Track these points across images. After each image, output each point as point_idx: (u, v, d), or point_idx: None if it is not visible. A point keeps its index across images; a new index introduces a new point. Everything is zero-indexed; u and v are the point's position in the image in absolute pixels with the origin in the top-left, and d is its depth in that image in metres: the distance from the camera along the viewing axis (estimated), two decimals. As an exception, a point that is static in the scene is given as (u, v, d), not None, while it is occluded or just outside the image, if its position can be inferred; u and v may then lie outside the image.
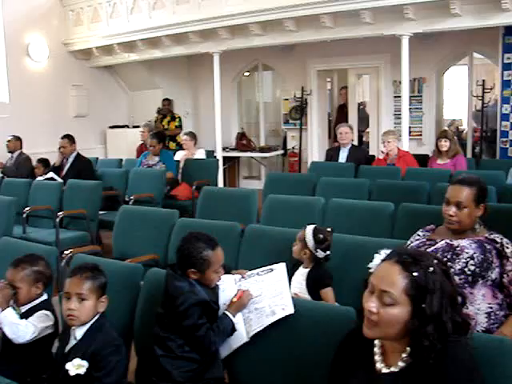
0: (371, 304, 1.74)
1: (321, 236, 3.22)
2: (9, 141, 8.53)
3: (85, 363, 2.33)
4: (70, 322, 2.43)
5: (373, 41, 8.66)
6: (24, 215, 6.14)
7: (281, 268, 2.71)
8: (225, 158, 10.03)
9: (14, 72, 10.05)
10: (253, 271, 2.74)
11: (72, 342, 2.45)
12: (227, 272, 2.70)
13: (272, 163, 11.25)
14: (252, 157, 11.26)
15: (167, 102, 10.57)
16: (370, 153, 9.35)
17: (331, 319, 2.36)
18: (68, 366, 2.34)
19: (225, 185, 9.75)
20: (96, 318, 2.46)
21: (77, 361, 2.34)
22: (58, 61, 10.76)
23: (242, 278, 2.71)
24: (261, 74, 11.53)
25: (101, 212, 6.47)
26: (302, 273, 3.26)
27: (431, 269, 1.72)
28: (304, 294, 3.15)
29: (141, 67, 11.19)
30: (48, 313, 2.79)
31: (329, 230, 3.31)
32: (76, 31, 10.82)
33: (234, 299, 2.58)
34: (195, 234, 2.64)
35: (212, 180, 7.58)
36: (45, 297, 2.88)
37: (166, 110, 10.47)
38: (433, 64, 9.46)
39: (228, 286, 2.65)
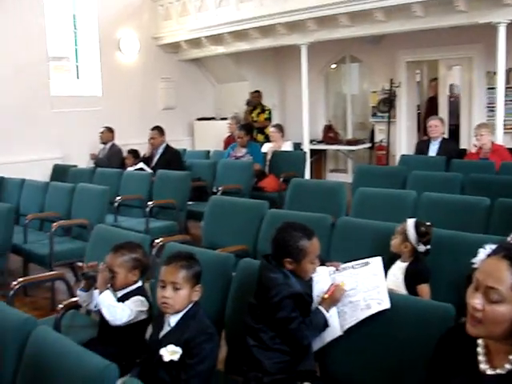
0: (476, 301, 1.65)
1: (423, 229, 3.15)
2: (102, 132, 8.80)
3: (179, 350, 2.34)
4: (164, 309, 2.44)
5: (465, 30, 8.33)
6: (115, 204, 6.30)
7: (377, 262, 2.64)
8: (311, 151, 9.94)
9: (106, 66, 10.39)
10: (347, 264, 2.68)
11: (166, 329, 2.46)
12: (321, 264, 2.65)
13: (359, 156, 11.08)
14: (339, 150, 11.14)
15: (257, 94, 10.55)
16: (461, 146, 9.04)
17: (430, 316, 2.28)
18: (162, 351, 2.36)
19: (311, 177, 9.65)
20: (190, 306, 2.46)
21: (171, 347, 2.36)
22: (147, 54, 11.02)
23: (337, 270, 2.66)
24: (348, 66, 11.37)
25: (188, 202, 6.56)
26: (399, 267, 3.18)
27: None
28: (399, 289, 3.07)
29: (228, 60, 11.25)
30: (143, 299, 2.84)
31: (429, 224, 3.23)
32: (165, 25, 11.02)
33: (326, 295, 2.52)
34: (291, 223, 2.61)
35: (299, 172, 7.55)
36: (139, 284, 2.93)
37: (256, 102, 10.46)
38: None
39: (322, 278, 2.61)
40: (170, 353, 2.35)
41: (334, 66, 11.77)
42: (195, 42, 10.79)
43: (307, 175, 9.04)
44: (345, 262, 2.71)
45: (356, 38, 9.37)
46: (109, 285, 2.85)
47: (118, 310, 2.72)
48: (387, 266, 3.11)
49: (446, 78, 10.53)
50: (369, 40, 9.97)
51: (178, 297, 2.41)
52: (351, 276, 2.61)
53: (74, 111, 9.79)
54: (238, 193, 6.65)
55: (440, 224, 3.58)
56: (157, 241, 4.28)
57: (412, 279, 3.09)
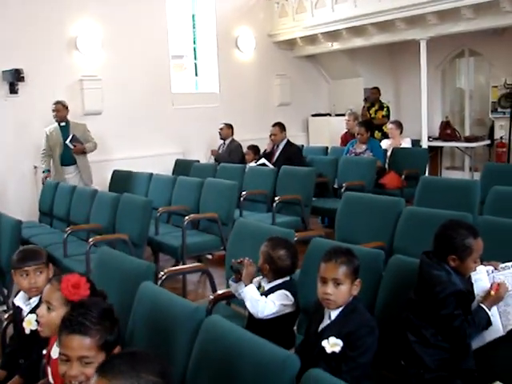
0: None
1: None
2: (221, 128, 9.00)
3: (340, 342, 2.39)
4: (326, 305, 2.50)
5: None
6: (241, 199, 6.44)
7: None
8: (428, 147, 9.73)
9: (223, 64, 10.63)
10: (507, 263, 2.63)
11: (326, 322, 2.52)
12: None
13: (477, 154, 10.73)
14: (456, 147, 10.83)
15: (376, 91, 10.38)
16: None
17: None
18: (324, 343, 2.41)
19: (427, 174, 9.45)
20: (350, 299, 2.50)
21: (332, 339, 2.41)
22: (263, 51, 11.17)
23: (495, 269, 2.62)
24: (467, 60, 11.02)
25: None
26: None
27: None
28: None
29: (342, 56, 11.21)
30: (287, 293, 2.89)
31: None
32: (281, 22, 11.11)
33: (492, 292, 2.50)
34: (456, 220, 2.62)
35: (420, 169, 7.42)
36: (287, 278, 3.00)
37: (375, 99, 10.33)
38: None
39: (481, 277, 2.58)
40: (332, 345, 2.40)
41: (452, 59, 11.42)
42: (311, 39, 10.83)
43: (427, 173, 8.86)
44: (505, 262, 2.66)
45: (476, 31, 9.05)
46: (257, 278, 2.96)
47: (260, 303, 2.81)
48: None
49: None
50: (491, 32, 9.62)
51: (340, 292, 2.46)
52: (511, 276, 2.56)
53: (192, 108, 10.10)
54: (360, 189, 6.61)
55: None
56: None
57: None
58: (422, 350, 2.47)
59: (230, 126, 8.97)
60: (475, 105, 11.23)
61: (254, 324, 2.89)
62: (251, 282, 2.92)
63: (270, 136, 7.89)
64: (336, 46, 10.58)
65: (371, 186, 6.88)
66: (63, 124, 7.46)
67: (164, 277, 3.77)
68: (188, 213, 5.94)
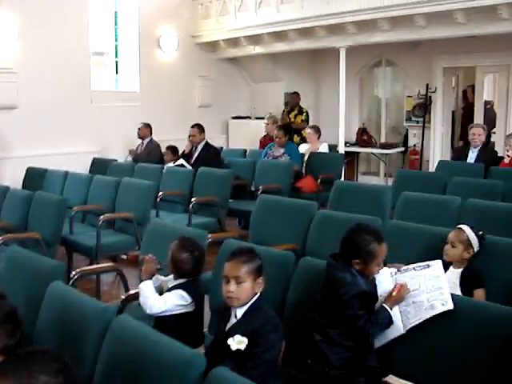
0: None
1: (480, 233, 3.23)
2: (139, 128, 8.92)
3: (245, 339, 2.44)
4: (229, 303, 2.55)
5: (504, 37, 8.31)
6: (158, 199, 6.42)
7: (438, 264, 2.74)
8: (345, 153, 10.00)
9: (145, 63, 10.54)
10: (408, 266, 2.78)
11: (232, 321, 2.56)
12: (383, 265, 2.75)
13: (392, 160, 11.10)
14: (372, 153, 11.18)
15: (295, 96, 10.57)
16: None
17: (494, 319, 2.36)
18: (229, 341, 2.46)
19: (344, 179, 9.70)
20: (255, 298, 2.56)
21: (237, 337, 2.45)
22: (185, 52, 11.15)
23: (398, 271, 2.76)
24: (384, 70, 11.40)
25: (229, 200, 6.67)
26: (453, 272, 3.26)
27: None
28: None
29: (264, 60, 11.36)
30: (184, 293, 2.93)
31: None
32: (204, 24, 11.13)
33: (394, 293, 2.63)
34: (363, 225, 2.72)
35: (336, 174, 7.60)
36: (190, 278, 3.04)
37: (294, 103, 10.51)
38: None
39: (385, 279, 2.72)
40: (237, 342, 2.45)
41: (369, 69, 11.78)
42: (233, 42, 10.90)
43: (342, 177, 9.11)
44: (406, 264, 2.81)
45: (393, 42, 9.39)
46: (156, 276, 3.06)
47: (149, 300, 2.89)
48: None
49: (482, 84, 10.52)
50: (406, 44, 10.00)
51: (242, 290, 2.51)
52: (413, 277, 2.71)
53: (112, 106, 9.95)
54: (277, 193, 6.71)
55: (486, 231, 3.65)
56: (208, 236, 4.36)
57: (469, 284, 3.16)
58: (328, 348, 2.56)
59: (148, 126, 8.91)
60: (391, 113, 11.64)
61: (161, 324, 2.92)
62: (150, 279, 3.00)
63: (189, 137, 7.91)
64: (258, 49, 10.70)
65: (288, 190, 7.00)
66: None
67: (76, 276, 3.72)
68: (103, 212, 5.85)
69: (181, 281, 3.01)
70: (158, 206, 6.44)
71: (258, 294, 2.57)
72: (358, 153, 11.36)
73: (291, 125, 9.69)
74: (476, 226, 3.49)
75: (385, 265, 2.78)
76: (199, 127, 7.84)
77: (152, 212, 6.22)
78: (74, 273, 3.73)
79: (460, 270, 3.24)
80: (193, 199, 6.27)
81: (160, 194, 6.54)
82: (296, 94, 10.60)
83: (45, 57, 8.90)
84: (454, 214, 4.58)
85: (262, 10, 9.97)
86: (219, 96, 11.53)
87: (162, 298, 2.90)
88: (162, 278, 3.10)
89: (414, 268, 2.75)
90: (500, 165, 7.00)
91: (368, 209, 4.77)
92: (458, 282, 3.18)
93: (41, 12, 8.81)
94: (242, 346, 2.44)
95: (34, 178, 7.59)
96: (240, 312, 2.55)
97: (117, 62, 10.72)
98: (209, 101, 11.41)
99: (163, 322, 2.91)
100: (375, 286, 2.68)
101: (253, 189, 7.36)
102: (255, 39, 10.47)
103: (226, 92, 11.68)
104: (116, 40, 10.67)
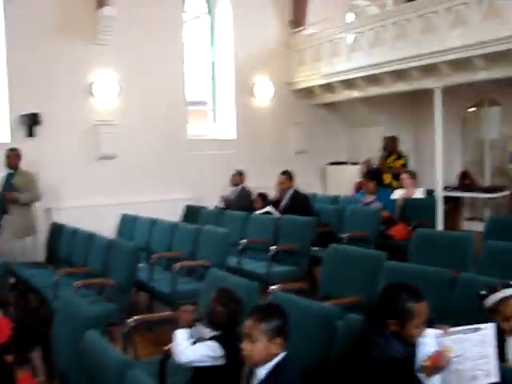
0: None
1: None
2: (233, 175, 9.00)
3: None
4: (246, 360, 2.43)
5: None
6: (240, 247, 6.35)
7: (489, 328, 2.38)
8: (447, 198, 9.52)
9: (241, 110, 10.72)
10: (456, 328, 2.45)
11: (254, 382, 2.41)
12: (430, 325, 2.46)
13: (498, 205, 10.45)
14: (476, 197, 10.59)
15: (393, 139, 10.29)
16: None
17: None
18: None
19: (446, 226, 9.21)
20: (278, 358, 2.39)
21: None
22: (280, 99, 11.25)
23: (444, 333, 2.44)
24: (487, 110, 10.86)
25: (314, 248, 6.47)
26: None
27: None
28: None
29: (361, 104, 11.19)
30: (217, 345, 2.81)
31: None
32: (299, 71, 11.20)
33: (428, 362, 2.31)
34: (400, 282, 2.48)
35: (430, 220, 7.23)
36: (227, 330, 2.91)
37: (392, 148, 10.21)
38: None
39: (428, 341, 2.40)
40: None
41: (472, 109, 11.27)
42: (328, 87, 10.86)
43: (440, 224, 8.66)
44: (457, 326, 2.49)
45: (494, 81, 8.93)
46: (198, 326, 2.96)
47: (179, 348, 2.81)
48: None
49: None
50: (508, 82, 9.46)
51: (255, 349, 2.37)
52: (460, 342, 2.37)
53: (208, 154, 10.13)
54: (364, 240, 6.46)
55: None
56: (272, 287, 4.21)
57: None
58: None
59: (240, 173, 8.97)
60: (496, 154, 11.00)
61: (197, 377, 2.86)
62: (188, 327, 2.91)
63: (278, 184, 7.82)
64: (354, 94, 10.57)
65: (375, 237, 6.70)
66: (11, 171, 7.33)
67: (132, 324, 3.68)
68: (184, 259, 5.87)
69: (216, 332, 2.88)
70: (241, 253, 6.36)
71: (283, 355, 2.39)
72: (462, 198, 10.78)
73: (390, 169, 9.40)
74: None
75: (432, 325, 2.48)
76: (288, 174, 7.71)
77: (234, 260, 6.16)
78: (129, 321, 3.69)
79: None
80: (272, 247, 6.13)
81: (242, 241, 6.46)
82: (393, 138, 10.29)
83: (143, 108, 9.26)
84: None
85: (354, 54, 9.90)
86: (315, 142, 11.46)
87: (192, 348, 2.81)
88: (204, 329, 2.98)
89: (462, 331, 2.42)
90: None
91: (452, 259, 4.47)
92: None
93: (139, 65, 9.23)
94: None
95: (127, 224, 7.80)
96: (261, 372, 2.40)
97: (214, 111, 10.94)
98: (305, 147, 11.35)
99: (199, 375, 2.82)
100: (414, 351, 2.38)
101: (340, 236, 7.12)
102: (349, 84, 10.39)
103: (322, 137, 11.60)
104: (213, 89, 10.92)
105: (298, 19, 11.20)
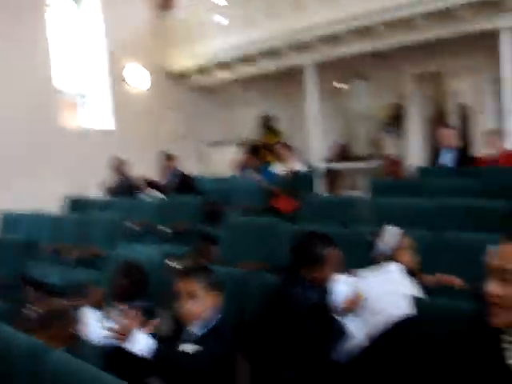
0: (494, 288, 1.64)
1: None
2: (114, 163, 8.72)
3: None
4: (183, 318, 2.42)
5: (468, 38, 8.19)
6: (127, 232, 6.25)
7: (396, 268, 2.56)
8: (327, 170, 9.85)
9: (117, 98, 10.62)
10: (367, 271, 2.60)
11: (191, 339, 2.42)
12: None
13: (373, 174, 10.95)
14: (352, 167, 11.05)
15: (267, 118, 10.48)
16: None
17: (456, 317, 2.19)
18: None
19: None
20: (216, 317, 2.43)
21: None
22: (156, 85, 11.20)
23: (356, 277, 2.58)
24: (357, 84, 11.33)
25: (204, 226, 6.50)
26: None
27: None
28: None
29: (236, 85, 11.29)
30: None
31: None
32: (172, 55, 11.13)
33: (344, 305, 2.45)
34: (312, 231, 2.57)
35: (308, 191, 7.47)
36: None
37: (268, 125, 10.39)
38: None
39: (341, 287, 2.52)
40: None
41: (340, 85, 11.68)
42: (202, 69, 10.87)
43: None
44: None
45: (362, 56, 9.31)
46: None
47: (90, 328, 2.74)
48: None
49: (453, 87, 10.44)
50: (373, 57, 9.90)
51: (195, 304, 2.37)
52: (372, 283, 2.53)
53: (86, 143, 9.91)
54: (253, 213, 6.59)
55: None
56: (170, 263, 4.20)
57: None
58: None
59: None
60: (366, 125, 11.50)
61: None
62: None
63: (160, 167, 7.77)
64: (227, 75, 10.62)
65: (262, 210, 6.84)
66: None
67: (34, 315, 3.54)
68: (73, 249, 5.74)
69: None
70: (129, 238, 6.25)
71: (220, 315, 2.43)
72: (340, 169, 11.20)
73: (267, 146, 9.59)
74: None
75: (345, 273, 2.60)
76: (167, 156, 7.70)
77: (124, 245, 6.03)
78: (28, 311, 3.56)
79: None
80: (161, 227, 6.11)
81: (128, 225, 6.35)
82: (267, 116, 10.54)
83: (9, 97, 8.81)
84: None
85: (225, 35, 9.94)
86: (193, 125, 11.48)
87: None
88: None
89: (372, 273, 2.58)
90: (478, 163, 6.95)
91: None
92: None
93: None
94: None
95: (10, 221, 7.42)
96: (198, 329, 2.40)
97: (89, 100, 10.68)
98: (182, 131, 11.33)
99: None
100: (329, 295, 2.48)
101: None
102: (222, 65, 10.44)
103: (199, 120, 11.63)
104: (88, 78, 10.67)
105: (166, 2, 11.09)
